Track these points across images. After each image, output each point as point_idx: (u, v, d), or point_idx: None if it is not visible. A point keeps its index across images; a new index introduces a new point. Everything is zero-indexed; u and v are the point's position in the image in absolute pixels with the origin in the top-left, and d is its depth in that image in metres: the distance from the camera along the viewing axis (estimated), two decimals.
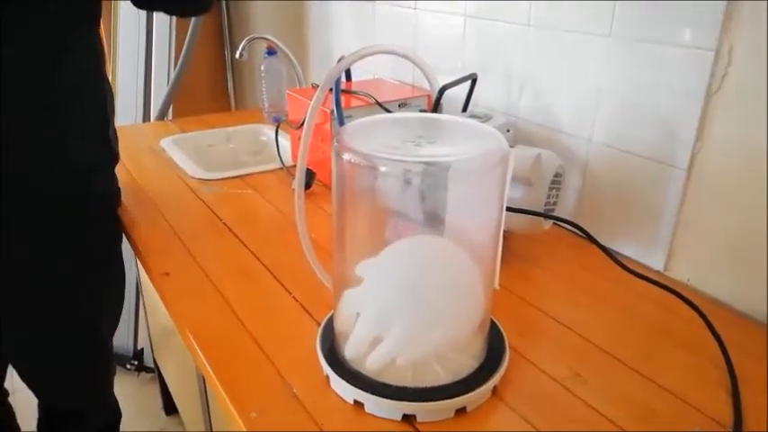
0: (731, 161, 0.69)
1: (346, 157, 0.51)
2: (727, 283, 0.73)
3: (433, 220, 0.55)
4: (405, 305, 0.54)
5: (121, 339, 1.77)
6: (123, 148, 1.23)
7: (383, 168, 0.50)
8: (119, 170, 1.15)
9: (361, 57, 0.66)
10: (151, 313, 1.42)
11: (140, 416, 1.66)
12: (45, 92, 0.80)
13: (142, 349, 1.76)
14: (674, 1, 0.70)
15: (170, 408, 1.63)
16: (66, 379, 1.05)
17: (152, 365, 1.68)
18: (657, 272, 0.80)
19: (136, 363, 1.75)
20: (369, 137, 0.54)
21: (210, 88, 2.19)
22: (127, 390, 1.75)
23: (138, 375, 1.78)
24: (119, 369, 1.76)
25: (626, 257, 0.83)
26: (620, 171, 0.82)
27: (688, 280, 0.77)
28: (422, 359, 0.54)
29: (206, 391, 0.99)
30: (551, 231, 0.82)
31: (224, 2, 2.07)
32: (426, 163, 0.51)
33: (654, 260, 0.81)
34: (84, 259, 0.92)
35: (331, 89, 0.96)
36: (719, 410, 0.56)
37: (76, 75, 0.83)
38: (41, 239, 0.86)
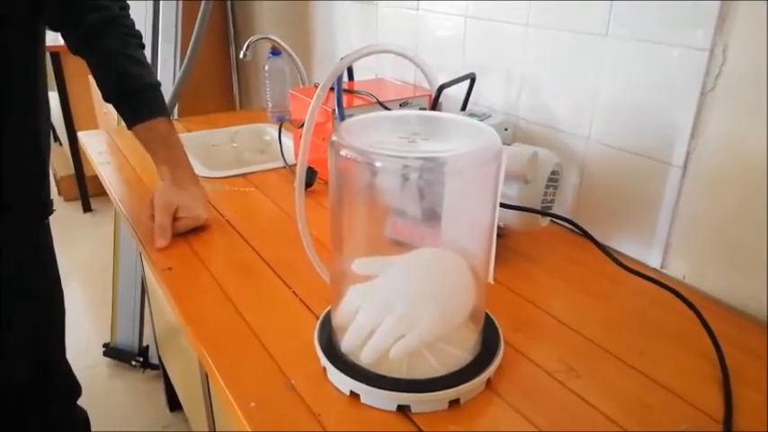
0: (726, 158, 0.70)
1: (343, 152, 0.52)
2: (723, 280, 0.74)
3: (429, 215, 0.56)
4: (402, 298, 0.56)
5: (127, 336, 1.80)
6: (129, 146, 1.26)
7: (379, 164, 0.51)
8: (123, 167, 1.17)
9: (362, 56, 0.67)
10: (156, 310, 1.44)
11: (145, 412, 1.68)
12: None
13: (147, 346, 1.78)
14: (670, 1, 0.71)
15: (174, 404, 1.64)
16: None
17: (157, 362, 1.70)
18: (654, 269, 0.81)
19: (141, 360, 1.77)
20: (365, 133, 0.55)
21: (216, 88, 2.21)
22: (132, 386, 1.78)
23: (143, 372, 1.80)
24: (124, 366, 1.80)
25: (623, 255, 0.84)
26: (617, 169, 0.83)
27: (684, 277, 0.78)
28: (414, 349, 0.55)
29: (209, 388, 1.00)
30: (549, 229, 0.82)
31: (229, 2, 2.09)
32: (422, 158, 0.52)
33: (651, 257, 0.81)
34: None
35: (332, 88, 0.98)
36: (712, 405, 0.57)
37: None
38: None
